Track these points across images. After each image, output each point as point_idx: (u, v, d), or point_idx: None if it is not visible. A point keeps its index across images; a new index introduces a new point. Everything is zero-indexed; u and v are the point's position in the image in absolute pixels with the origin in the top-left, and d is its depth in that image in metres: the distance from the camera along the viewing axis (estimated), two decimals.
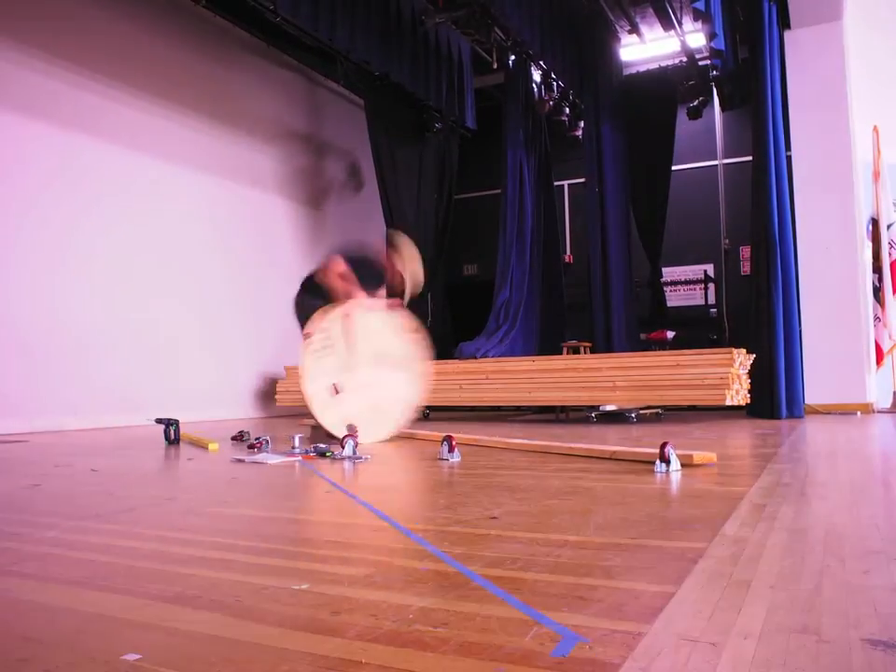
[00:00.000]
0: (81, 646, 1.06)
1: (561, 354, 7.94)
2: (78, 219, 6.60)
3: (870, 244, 7.08)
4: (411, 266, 4.53)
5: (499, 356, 7.64)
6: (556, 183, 10.11)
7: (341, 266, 4.44)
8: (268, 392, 8.44)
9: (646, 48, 9.42)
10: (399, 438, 4.62)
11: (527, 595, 1.22)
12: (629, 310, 8.61)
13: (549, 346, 8.74)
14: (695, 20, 7.23)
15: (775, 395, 6.27)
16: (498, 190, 8.95)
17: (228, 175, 8.25)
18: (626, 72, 9.56)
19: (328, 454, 3.60)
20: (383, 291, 4.63)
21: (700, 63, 9.01)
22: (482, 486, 2.58)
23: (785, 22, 7.10)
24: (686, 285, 10.14)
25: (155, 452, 4.36)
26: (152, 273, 7.25)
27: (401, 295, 4.53)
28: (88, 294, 6.64)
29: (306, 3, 6.74)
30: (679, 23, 8.19)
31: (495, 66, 8.93)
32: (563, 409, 7.43)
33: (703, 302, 9.85)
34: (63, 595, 1.31)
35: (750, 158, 6.99)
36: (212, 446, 4.29)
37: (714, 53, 7.15)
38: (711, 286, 9.94)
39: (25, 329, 6.13)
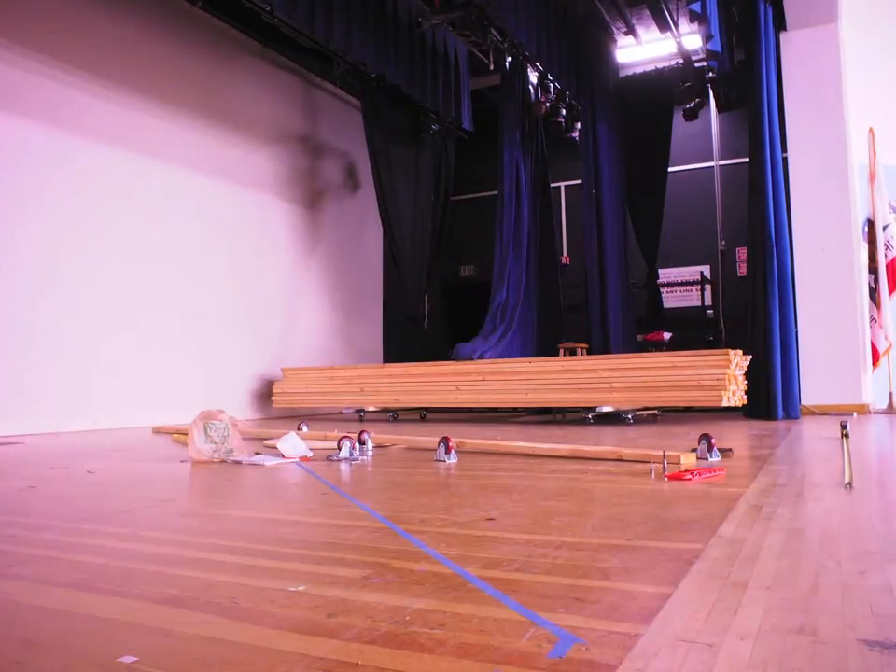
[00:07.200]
0: (77, 648, 1.05)
1: (558, 355, 7.94)
2: (73, 221, 6.58)
3: (866, 245, 7.10)
4: None
5: (496, 357, 7.64)
6: (553, 184, 10.11)
7: None
8: (265, 393, 8.43)
9: (642, 49, 9.44)
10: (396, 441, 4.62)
11: (524, 597, 1.22)
12: (626, 311, 8.61)
13: (546, 348, 8.74)
14: (691, 21, 7.23)
15: (771, 396, 6.28)
16: (495, 192, 8.95)
17: (224, 176, 8.24)
18: (623, 74, 9.58)
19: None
20: None
21: (696, 64, 9.03)
22: (478, 488, 2.58)
23: (781, 24, 7.12)
24: (683, 286, 10.16)
25: (151, 453, 4.36)
26: (149, 274, 7.23)
27: None
28: (85, 296, 6.62)
29: (302, 4, 6.73)
30: (676, 25, 8.20)
31: (491, 68, 8.94)
32: (560, 410, 7.43)
33: (699, 304, 9.86)
34: (59, 598, 1.31)
35: (747, 159, 7.00)
36: None
37: (710, 55, 7.16)
38: (708, 287, 9.95)
39: (23, 330, 6.11)
